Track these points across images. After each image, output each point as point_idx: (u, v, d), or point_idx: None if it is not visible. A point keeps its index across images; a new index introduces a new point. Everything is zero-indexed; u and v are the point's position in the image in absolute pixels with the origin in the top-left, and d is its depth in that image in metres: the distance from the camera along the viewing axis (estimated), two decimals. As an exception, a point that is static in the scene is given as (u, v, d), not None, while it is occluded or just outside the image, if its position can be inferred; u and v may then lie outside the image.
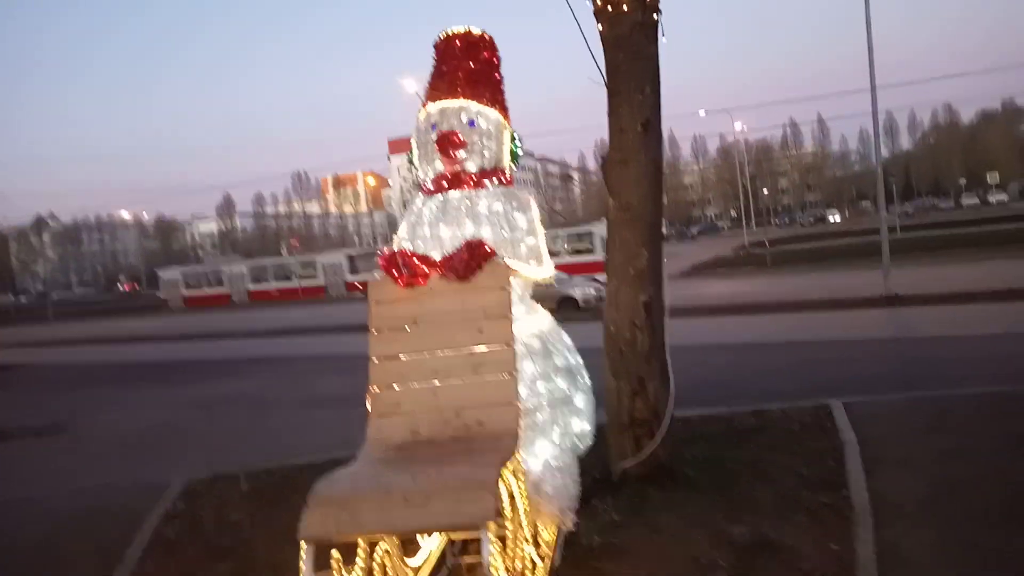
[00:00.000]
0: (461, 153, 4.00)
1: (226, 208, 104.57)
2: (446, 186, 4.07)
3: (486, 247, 3.59)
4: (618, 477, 4.98)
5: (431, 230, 4.01)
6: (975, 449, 5.21)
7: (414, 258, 3.62)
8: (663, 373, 4.99)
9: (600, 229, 33.24)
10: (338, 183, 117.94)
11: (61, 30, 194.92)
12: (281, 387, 13.09)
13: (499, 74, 4.28)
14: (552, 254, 4.34)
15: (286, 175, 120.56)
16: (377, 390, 3.44)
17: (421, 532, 2.87)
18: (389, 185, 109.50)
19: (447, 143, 3.95)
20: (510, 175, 4.25)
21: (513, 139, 4.23)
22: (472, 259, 3.52)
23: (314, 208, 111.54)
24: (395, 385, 3.44)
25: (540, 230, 4.12)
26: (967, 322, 13.29)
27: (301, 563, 2.62)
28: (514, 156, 4.25)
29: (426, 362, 3.43)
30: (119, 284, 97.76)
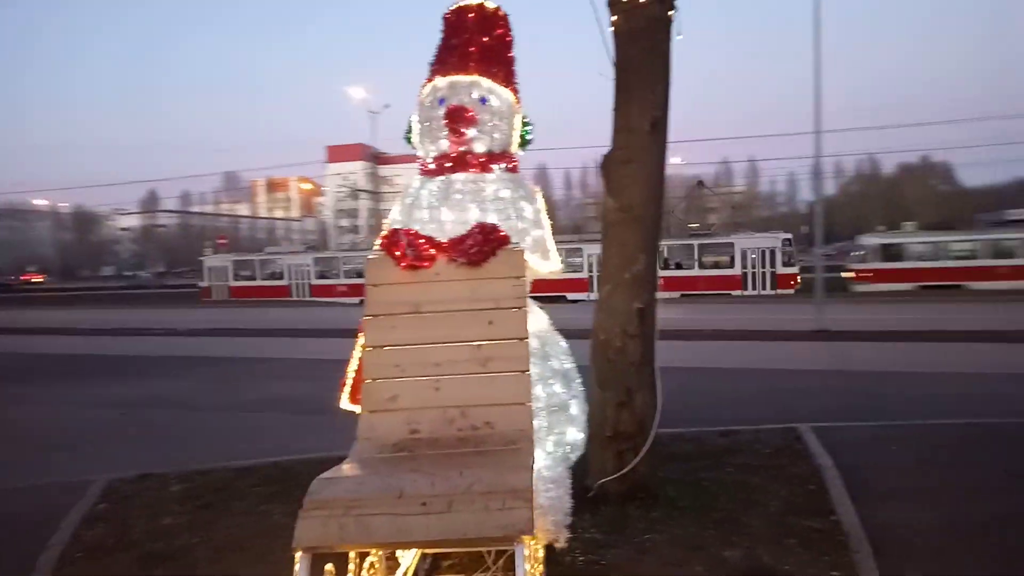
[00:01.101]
0: (471, 131, 3.68)
1: (150, 203, 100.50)
2: (449, 167, 3.75)
3: (501, 232, 3.28)
4: (596, 493, 4.69)
5: (431, 213, 3.68)
6: (961, 478, 5.15)
7: (419, 239, 3.27)
8: (652, 385, 4.75)
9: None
10: (271, 186, 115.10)
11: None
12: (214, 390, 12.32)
13: (512, 54, 3.99)
14: None
15: (216, 176, 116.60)
16: (370, 382, 3.06)
17: (442, 544, 2.49)
18: (323, 192, 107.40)
19: (458, 118, 3.63)
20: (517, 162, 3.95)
21: (524, 124, 3.94)
22: (486, 243, 3.20)
23: (244, 210, 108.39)
24: (391, 378, 3.06)
25: (546, 222, 3.83)
26: (896, 359, 13.58)
27: None
28: (523, 142, 3.96)
29: (428, 353, 3.07)
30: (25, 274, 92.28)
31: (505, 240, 3.28)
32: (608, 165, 4.71)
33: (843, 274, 34.16)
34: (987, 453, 5.77)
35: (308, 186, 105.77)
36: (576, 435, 3.79)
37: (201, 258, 48.41)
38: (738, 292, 32.66)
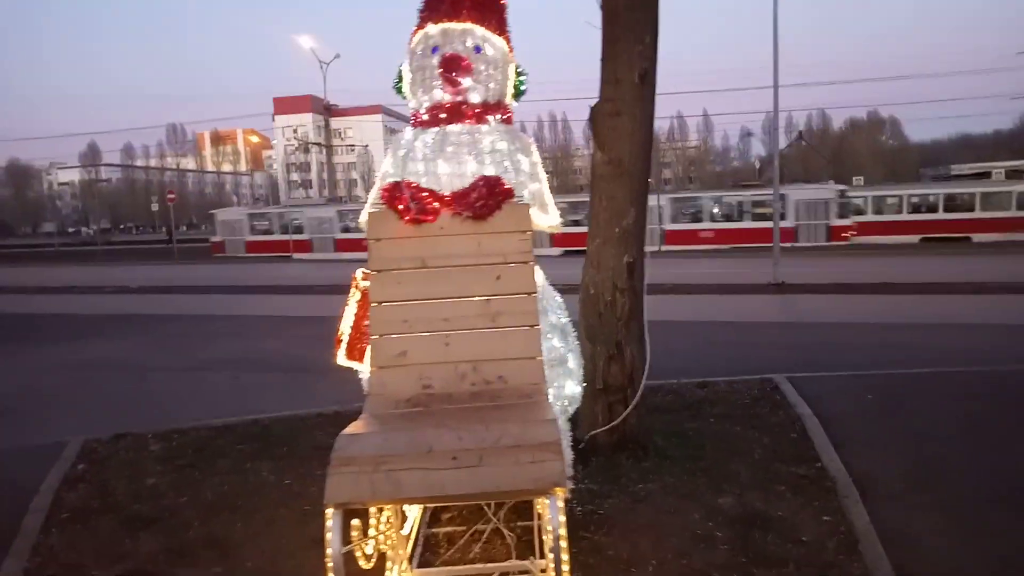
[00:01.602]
0: (466, 80, 3.58)
1: (91, 157, 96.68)
2: (444, 118, 3.64)
3: (505, 185, 3.22)
4: (586, 445, 4.74)
5: (426, 166, 3.57)
6: (935, 425, 5.35)
7: (422, 192, 3.19)
8: (641, 338, 4.78)
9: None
10: (217, 139, 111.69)
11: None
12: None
13: (504, 1, 3.87)
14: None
15: (159, 128, 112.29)
16: (378, 338, 3.00)
17: (473, 498, 2.48)
18: (271, 146, 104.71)
19: (453, 66, 3.51)
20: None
21: (518, 73, 3.84)
22: (491, 197, 3.15)
23: (190, 164, 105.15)
24: (399, 334, 3.01)
25: (543, 175, 3.77)
26: (849, 310, 13.95)
27: (328, 533, 2.18)
28: (517, 92, 3.86)
29: (435, 308, 3.02)
30: None
31: (510, 193, 3.22)
32: (596, 117, 4.65)
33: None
34: (952, 400, 5.99)
35: (256, 139, 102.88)
36: (574, 388, 3.80)
37: (213, 211, 46.25)
38: (789, 244, 31.30)
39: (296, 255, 37.95)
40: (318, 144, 61.01)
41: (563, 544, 2.16)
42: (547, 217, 3.66)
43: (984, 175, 38.53)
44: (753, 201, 33.57)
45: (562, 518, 2.17)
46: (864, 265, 23.03)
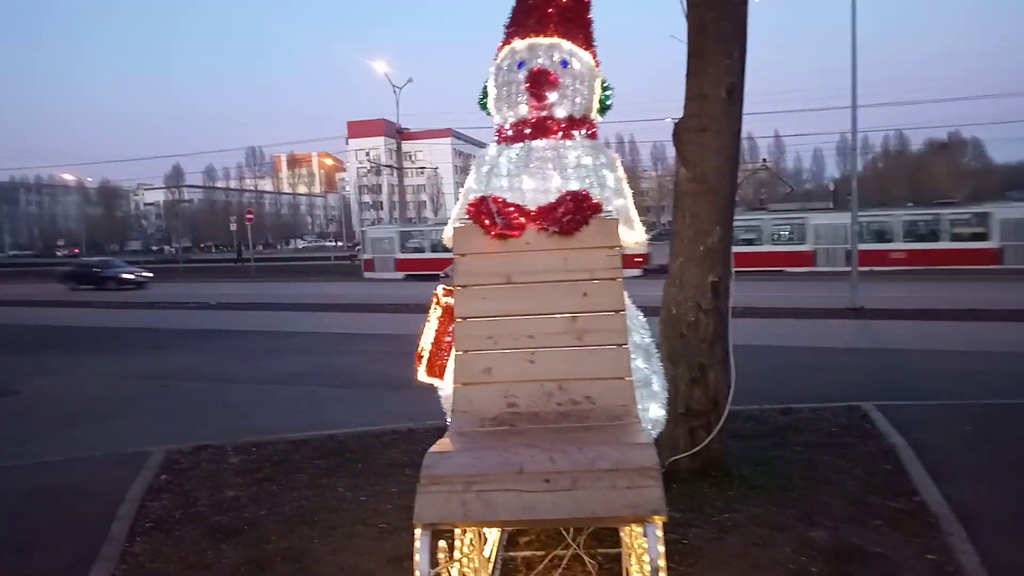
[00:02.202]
0: (553, 95, 3.52)
1: (175, 178, 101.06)
2: (529, 133, 3.60)
3: (593, 199, 3.15)
4: (667, 470, 4.58)
5: (511, 181, 3.53)
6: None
7: (508, 207, 3.14)
8: (724, 361, 4.62)
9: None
10: (293, 162, 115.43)
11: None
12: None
13: (590, 15, 3.82)
14: None
15: (239, 151, 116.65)
16: (463, 354, 2.95)
17: (567, 523, 2.40)
18: (345, 168, 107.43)
19: (540, 81, 3.47)
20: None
21: (604, 88, 3.77)
22: (579, 212, 3.07)
23: (267, 186, 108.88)
24: (484, 350, 2.95)
25: (628, 191, 3.68)
26: (932, 338, 13.25)
27: (416, 555, 2.12)
28: (603, 107, 3.79)
29: (521, 325, 2.96)
30: (58, 249, 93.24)
31: (598, 208, 3.14)
32: (681, 134, 4.54)
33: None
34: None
35: (330, 162, 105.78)
36: (658, 411, 3.66)
37: (363, 229, 44.94)
38: (991, 267, 29.28)
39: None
40: (389, 166, 62.27)
41: None
42: (633, 233, 3.56)
43: None
44: (952, 220, 31.06)
45: (661, 548, 2.06)
46: (944, 291, 21.95)
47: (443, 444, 2.42)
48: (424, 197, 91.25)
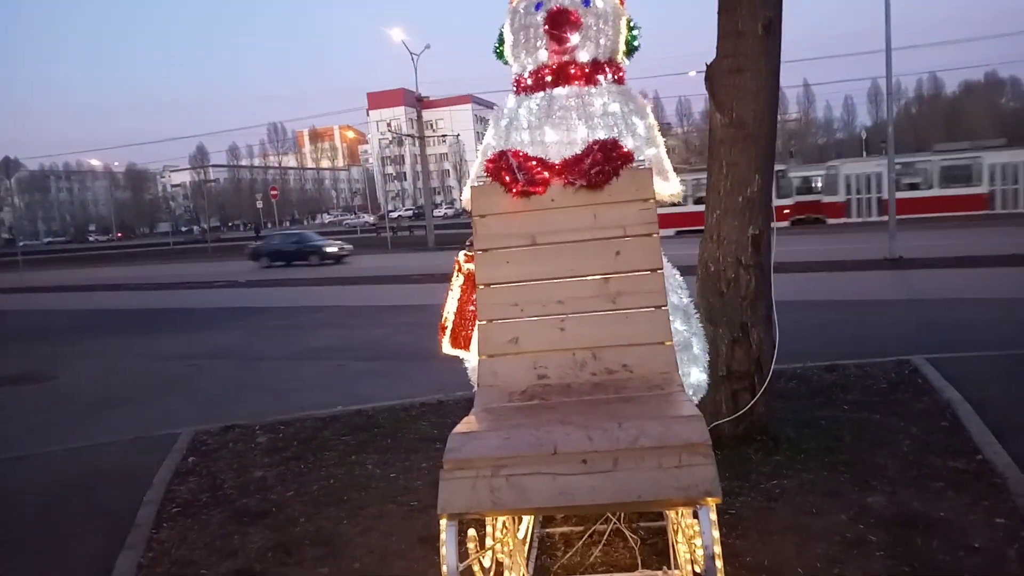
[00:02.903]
0: (575, 37, 3.24)
1: (199, 159, 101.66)
2: (550, 81, 3.32)
3: (623, 148, 2.87)
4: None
5: (532, 134, 3.26)
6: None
7: (530, 160, 2.88)
8: (768, 319, 4.34)
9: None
10: (315, 136, 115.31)
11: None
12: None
13: None
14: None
15: (261, 128, 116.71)
16: (486, 323, 2.72)
17: (609, 508, 2.18)
18: (367, 140, 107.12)
19: (561, 21, 3.18)
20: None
21: (630, 27, 3.47)
22: (608, 162, 2.80)
23: (290, 161, 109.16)
24: (510, 318, 2.72)
25: (660, 140, 3.40)
26: (974, 286, 12.71)
27: (442, 548, 1.91)
28: (630, 48, 3.49)
29: (549, 290, 2.72)
30: (89, 234, 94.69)
31: (629, 158, 2.87)
32: (714, 75, 4.22)
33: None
34: None
35: (351, 135, 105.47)
36: (700, 376, 3.43)
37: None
38: None
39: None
40: (411, 136, 61.83)
41: (719, 564, 1.82)
42: (668, 185, 3.29)
43: None
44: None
45: (716, 533, 1.83)
46: (985, 236, 21.20)
47: (468, 423, 2.20)
48: (447, 165, 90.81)
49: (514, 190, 2.84)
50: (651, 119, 3.40)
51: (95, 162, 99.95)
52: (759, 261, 4.25)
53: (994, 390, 5.14)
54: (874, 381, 5.64)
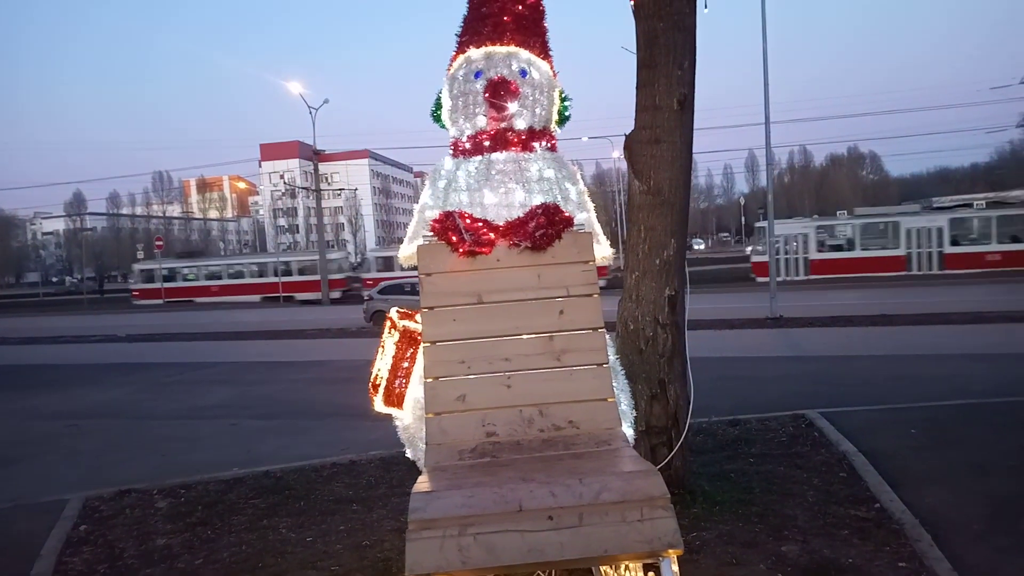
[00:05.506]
0: (513, 106, 3.38)
1: (76, 206, 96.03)
2: (488, 146, 3.44)
3: (565, 213, 3.00)
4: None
5: (471, 196, 3.35)
6: (994, 458, 5.11)
7: (476, 222, 2.97)
8: (683, 376, 4.54)
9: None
10: (203, 186, 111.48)
11: None
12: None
13: (546, 23, 3.71)
14: None
15: (145, 176, 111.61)
16: (433, 381, 2.74)
17: (576, 563, 2.19)
18: (258, 192, 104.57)
19: (501, 90, 3.32)
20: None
21: (563, 98, 3.65)
22: (551, 226, 2.93)
23: (176, 211, 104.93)
24: (457, 376, 2.75)
25: (591, 204, 3.56)
26: (851, 344, 13.64)
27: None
28: (562, 118, 3.67)
29: (495, 347, 2.77)
30: None
31: (570, 221, 3.01)
32: (633, 146, 4.47)
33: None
34: (1001, 431, 5.76)
35: (242, 185, 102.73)
36: (628, 431, 3.51)
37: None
38: None
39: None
40: (306, 189, 60.87)
41: (683, 613, 1.89)
42: (599, 247, 3.43)
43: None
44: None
45: (677, 584, 1.91)
46: (854, 297, 22.87)
47: (426, 483, 2.20)
48: (342, 219, 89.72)
49: (461, 250, 2.91)
50: (582, 185, 3.56)
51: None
52: (675, 320, 4.46)
53: (884, 442, 5.53)
54: (774, 434, 5.96)
